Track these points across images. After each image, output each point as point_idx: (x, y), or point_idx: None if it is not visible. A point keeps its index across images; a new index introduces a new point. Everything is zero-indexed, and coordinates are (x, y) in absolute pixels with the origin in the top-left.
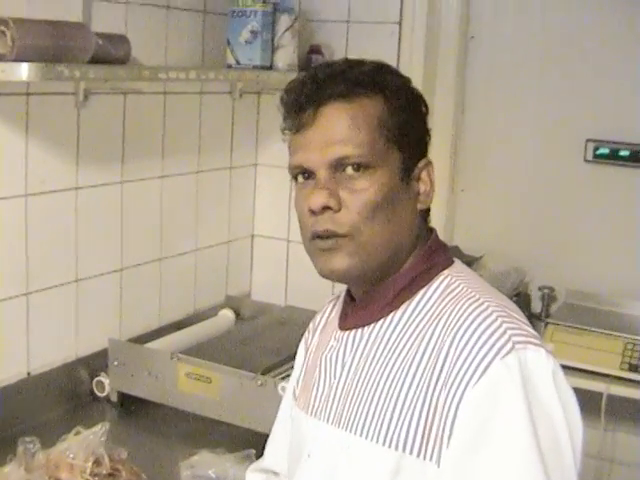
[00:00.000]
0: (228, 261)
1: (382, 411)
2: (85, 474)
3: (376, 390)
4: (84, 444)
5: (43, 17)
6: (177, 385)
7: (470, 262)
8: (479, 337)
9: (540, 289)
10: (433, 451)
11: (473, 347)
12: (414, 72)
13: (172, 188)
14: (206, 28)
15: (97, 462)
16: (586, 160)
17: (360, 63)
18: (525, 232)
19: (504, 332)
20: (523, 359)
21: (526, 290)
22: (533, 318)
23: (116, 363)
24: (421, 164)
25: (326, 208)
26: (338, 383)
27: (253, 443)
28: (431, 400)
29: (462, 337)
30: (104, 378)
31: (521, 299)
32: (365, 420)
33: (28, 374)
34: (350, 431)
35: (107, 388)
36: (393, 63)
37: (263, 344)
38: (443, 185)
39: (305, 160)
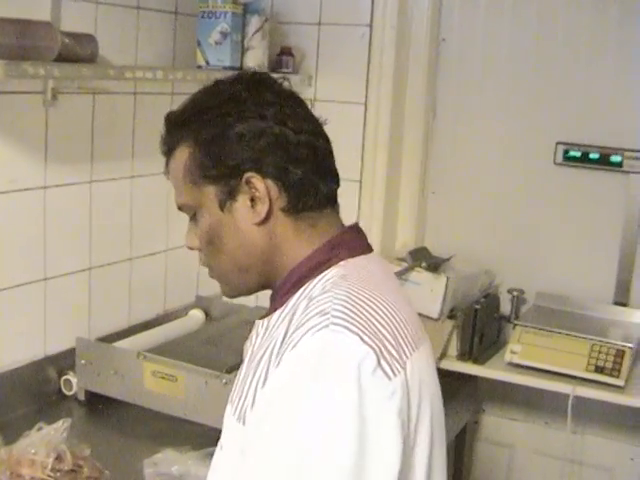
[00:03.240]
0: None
1: (241, 388)
2: (46, 470)
3: (245, 374)
4: (45, 439)
5: (10, 15)
6: (143, 384)
7: (438, 263)
8: (307, 314)
9: (509, 291)
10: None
11: (299, 323)
12: (385, 74)
13: (142, 188)
14: (177, 29)
15: (59, 458)
16: (556, 163)
17: (186, 103)
18: (495, 234)
19: (327, 311)
20: (330, 339)
21: (496, 292)
22: (502, 320)
23: (84, 362)
24: (242, 182)
25: (191, 248)
26: (241, 369)
27: (217, 441)
28: (264, 374)
29: (300, 315)
30: (72, 377)
31: (490, 301)
32: (236, 401)
33: None
34: (233, 414)
35: (75, 387)
36: (364, 65)
37: (230, 343)
38: (414, 187)
39: None
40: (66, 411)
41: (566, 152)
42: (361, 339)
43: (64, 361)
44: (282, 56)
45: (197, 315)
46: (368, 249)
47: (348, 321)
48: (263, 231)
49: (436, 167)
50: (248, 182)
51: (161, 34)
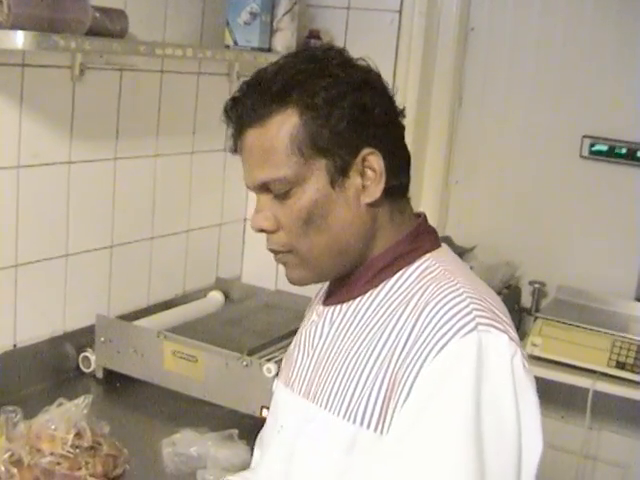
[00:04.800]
0: (219, 243)
1: (346, 385)
2: (66, 446)
3: (343, 364)
4: (66, 416)
5: None
6: (163, 363)
7: (461, 253)
8: (444, 315)
9: (531, 284)
10: (390, 426)
11: (436, 324)
12: (412, 62)
13: (166, 168)
14: (206, 8)
15: (78, 434)
16: (582, 156)
17: (277, 72)
18: (518, 226)
19: (469, 312)
20: (484, 341)
21: (517, 284)
22: (523, 312)
23: (103, 339)
24: (359, 158)
25: (263, 230)
26: (313, 356)
27: (237, 423)
28: (392, 375)
29: (428, 314)
30: (90, 354)
31: (511, 292)
32: (330, 393)
33: (14, 346)
34: (316, 403)
35: (93, 364)
36: (392, 51)
37: (250, 326)
38: (437, 177)
39: (245, 182)
40: (84, 388)
41: (592, 145)
42: (509, 337)
43: (83, 338)
44: (310, 39)
45: (216, 297)
46: (439, 240)
47: (492, 319)
48: (371, 212)
49: (460, 157)
50: (365, 159)
51: (189, 12)
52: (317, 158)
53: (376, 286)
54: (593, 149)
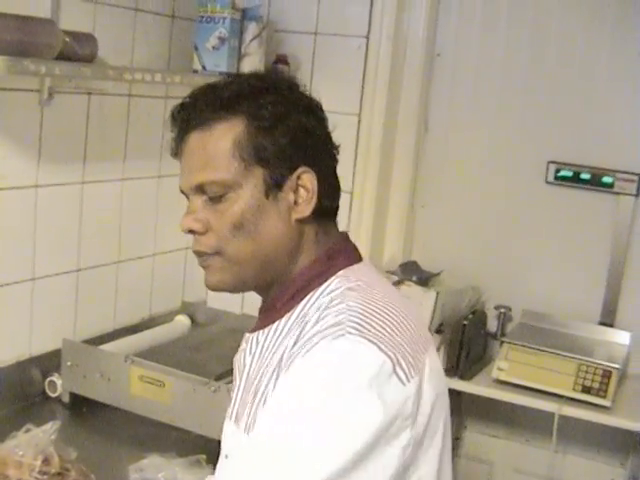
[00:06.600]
0: (185, 267)
1: (251, 404)
2: (33, 472)
3: (252, 387)
4: (34, 442)
5: (11, 12)
6: (130, 388)
7: (428, 278)
8: (319, 329)
9: (497, 308)
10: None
11: (311, 337)
12: (379, 86)
13: (132, 191)
14: (174, 32)
15: (46, 461)
16: (547, 182)
17: (229, 83)
18: (484, 251)
19: (341, 322)
20: (348, 347)
21: (482, 308)
22: (489, 337)
23: (69, 364)
24: (295, 175)
25: (192, 232)
26: (240, 384)
27: (204, 448)
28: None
29: (308, 331)
30: (56, 378)
31: (477, 317)
32: (242, 414)
33: None
34: (238, 427)
35: (59, 388)
36: (359, 76)
37: (217, 351)
38: (403, 200)
39: (180, 185)
40: (50, 413)
41: (557, 171)
42: (379, 348)
43: (49, 362)
44: (277, 64)
45: (183, 321)
46: (360, 257)
47: (363, 332)
48: (299, 229)
49: (426, 181)
50: (300, 177)
51: (157, 36)
52: (256, 167)
53: (288, 311)
54: (558, 174)
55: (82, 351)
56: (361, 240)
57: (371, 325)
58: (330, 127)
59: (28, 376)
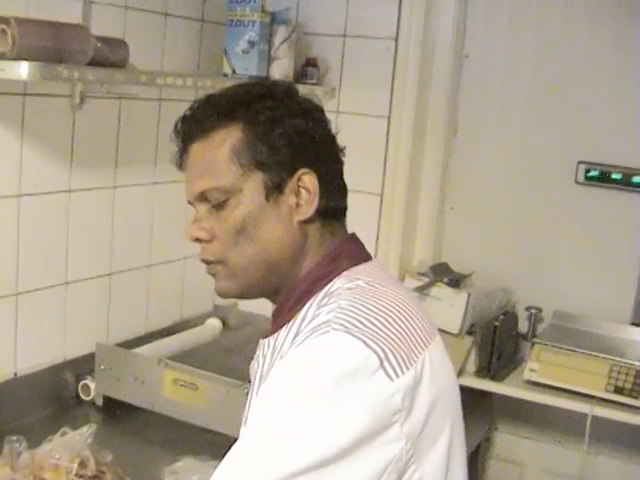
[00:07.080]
0: None
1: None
2: (70, 475)
3: (259, 389)
4: (70, 445)
5: (43, 18)
6: (163, 391)
7: (459, 279)
8: (312, 326)
9: (527, 309)
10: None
11: (304, 335)
12: (408, 88)
13: (163, 195)
14: (203, 36)
15: (82, 464)
16: (577, 182)
17: (226, 92)
18: (514, 252)
19: (328, 320)
20: (332, 342)
21: (513, 310)
22: (520, 338)
23: (103, 367)
24: (295, 177)
25: (197, 240)
26: (252, 389)
27: None
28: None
29: (303, 330)
30: (90, 382)
31: (508, 318)
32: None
33: (15, 375)
34: None
35: (92, 392)
36: (388, 79)
37: (249, 354)
38: (433, 202)
39: (186, 194)
40: (83, 416)
41: (587, 171)
42: (365, 343)
43: (83, 366)
44: (307, 67)
45: (214, 324)
46: (368, 257)
47: (349, 328)
48: (302, 230)
49: (456, 183)
50: (300, 178)
51: (187, 41)
52: (255, 171)
53: (294, 315)
54: (588, 175)
55: (115, 354)
56: (391, 243)
57: (359, 322)
58: (333, 129)
59: (62, 380)
